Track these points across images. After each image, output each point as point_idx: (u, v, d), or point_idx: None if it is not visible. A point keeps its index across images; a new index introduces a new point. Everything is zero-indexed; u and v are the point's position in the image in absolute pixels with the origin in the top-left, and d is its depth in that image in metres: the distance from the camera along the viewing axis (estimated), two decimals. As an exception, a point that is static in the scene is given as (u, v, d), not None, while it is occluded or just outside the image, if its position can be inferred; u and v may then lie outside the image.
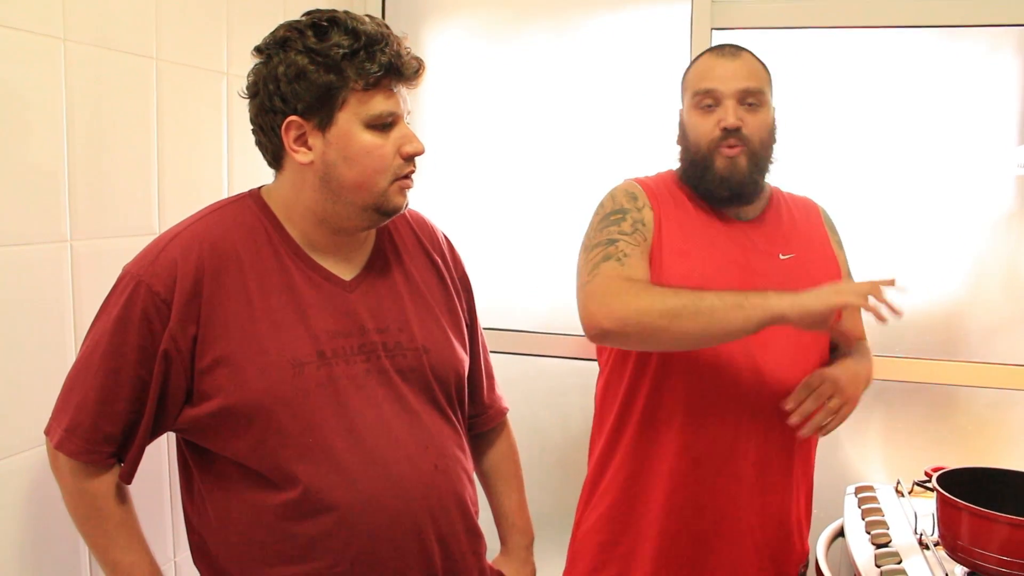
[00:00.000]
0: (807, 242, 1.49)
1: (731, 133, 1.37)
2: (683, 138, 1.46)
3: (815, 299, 1.21)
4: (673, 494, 1.40)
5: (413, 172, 1.17)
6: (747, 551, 1.42)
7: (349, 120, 1.11)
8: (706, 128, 1.39)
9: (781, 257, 1.44)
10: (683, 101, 1.47)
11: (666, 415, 1.40)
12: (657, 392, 1.40)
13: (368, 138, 1.12)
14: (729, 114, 1.37)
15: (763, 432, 1.39)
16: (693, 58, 1.51)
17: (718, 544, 1.41)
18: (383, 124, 1.13)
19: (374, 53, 1.10)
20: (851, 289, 1.22)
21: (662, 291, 1.27)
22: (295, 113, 1.11)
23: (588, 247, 1.39)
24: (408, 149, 1.14)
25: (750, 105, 1.39)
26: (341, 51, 1.09)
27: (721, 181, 1.39)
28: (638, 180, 1.48)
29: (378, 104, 1.11)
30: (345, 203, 1.14)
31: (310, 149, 1.12)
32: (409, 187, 1.18)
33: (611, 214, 1.41)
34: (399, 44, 1.13)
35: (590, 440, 1.56)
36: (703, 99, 1.39)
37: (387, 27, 1.14)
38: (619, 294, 1.27)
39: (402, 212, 1.20)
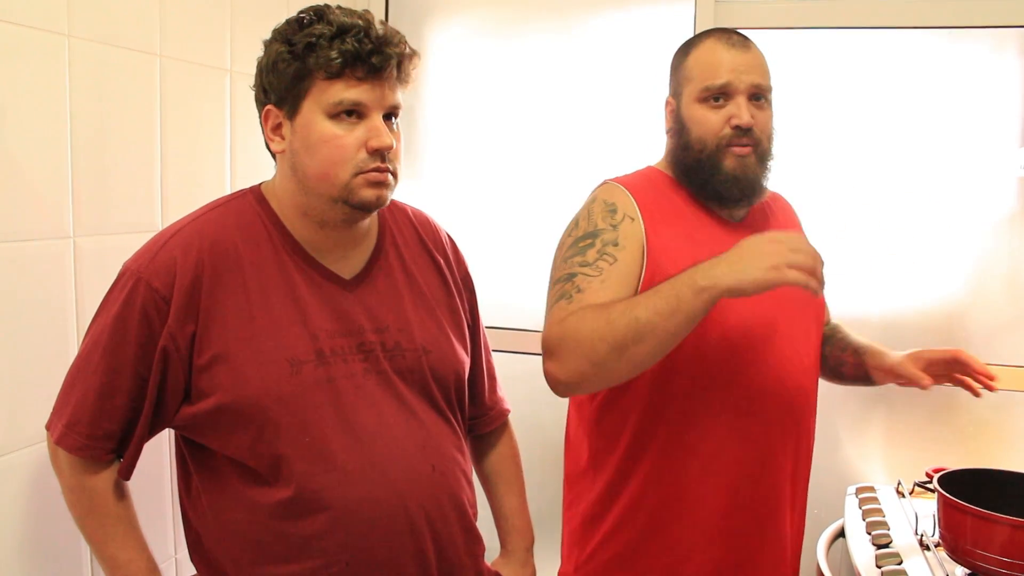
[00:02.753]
0: None
1: (743, 132, 1.28)
2: (683, 133, 1.33)
3: (756, 272, 1.06)
4: (718, 539, 1.31)
5: (383, 168, 1.11)
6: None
7: (312, 108, 1.10)
8: (714, 124, 1.29)
9: None
10: (680, 88, 1.35)
11: (696, 438, 1.29)
12: (684, 417, 1.29)
13: (328, 127, 1.09)
14: (743, 112, 1.27)
15: (794, 457, 1.33)
16: (689, 40, 1.38)
17: None
18: (347, 113, 1.09)
19: (336, 42, 1.08)
20: (786, 262, 1.06)
21: (595, 316, 1.14)
22: (271, 102, 1.13)
23: (552, 279, 1.29)
24: (373, 143, 1.09)
25: (758, 101, 1.30)
26: (307, 40, 1.08)
27: (734, 182, 1.29)
28: (624, 183, 1.34)
29: (337, 92, 1.09)
30: (314, 195, 1.13)
31: (283, 138, 1.13)
32: (380, 180, 1.11)
33: (580, 239, 1.28)
34: (376, 35, 1.09)
35: (572, 470, 1.42)
36: (714, 94, 1.29)
37: (367, 20, 1.10)
38: (564, 340, 1.17)
39: (382, 207, 1.15)
